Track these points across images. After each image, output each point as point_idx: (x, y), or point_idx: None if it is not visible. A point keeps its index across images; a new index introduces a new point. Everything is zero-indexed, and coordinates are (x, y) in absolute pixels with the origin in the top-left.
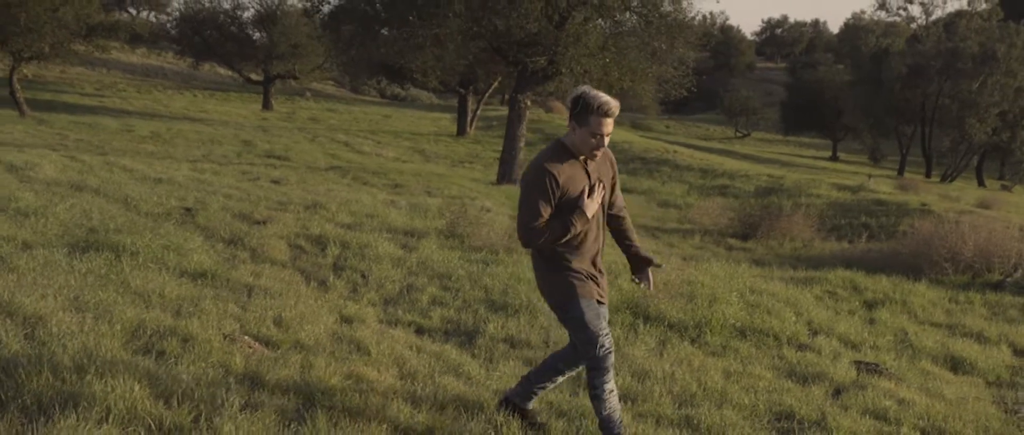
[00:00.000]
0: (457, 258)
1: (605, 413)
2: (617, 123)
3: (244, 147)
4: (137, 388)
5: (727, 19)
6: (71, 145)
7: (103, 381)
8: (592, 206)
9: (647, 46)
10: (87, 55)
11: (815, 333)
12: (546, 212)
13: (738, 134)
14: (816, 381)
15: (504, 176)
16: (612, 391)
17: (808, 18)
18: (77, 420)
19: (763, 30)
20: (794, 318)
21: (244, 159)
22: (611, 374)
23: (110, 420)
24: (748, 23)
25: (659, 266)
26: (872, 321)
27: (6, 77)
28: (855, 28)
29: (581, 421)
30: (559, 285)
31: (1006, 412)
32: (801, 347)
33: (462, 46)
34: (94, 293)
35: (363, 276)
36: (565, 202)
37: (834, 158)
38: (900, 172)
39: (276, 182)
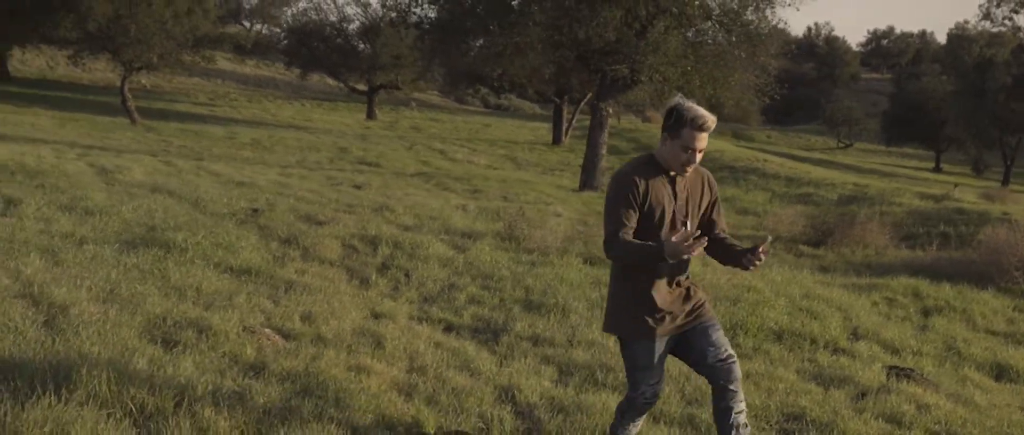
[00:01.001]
0: (507, 259)
1: None
2: (716, 132)
3: (339, 154)
4: (128, 373)
5: (832, 30)
6: (173, 151)
7: (98, 367)
8: (673, 247)
9: (728, 54)
10: (194, 66)
11: (858, 338)
12: (632, 220)
13: (840, 145)
14: (841, 384)
15: (585, 183)
16: None
17: (915, 29)
18: (61, 401)
19: (869, 41)
20: (840, 323)
21: (335, 165)
22: (642, 419)
23: (91, 402)
24: (854, 34)
25: (765, 238)
26: (924, 327)
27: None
28: (959, 38)
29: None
30: (619, 316)
31: None
32: (837, 351)
33: (542, 54)
34: (131, 286)
35: (407, 275)
36: (645, 217)
37: (937, 169)
38: (1004, 183)
39: (357, 187)
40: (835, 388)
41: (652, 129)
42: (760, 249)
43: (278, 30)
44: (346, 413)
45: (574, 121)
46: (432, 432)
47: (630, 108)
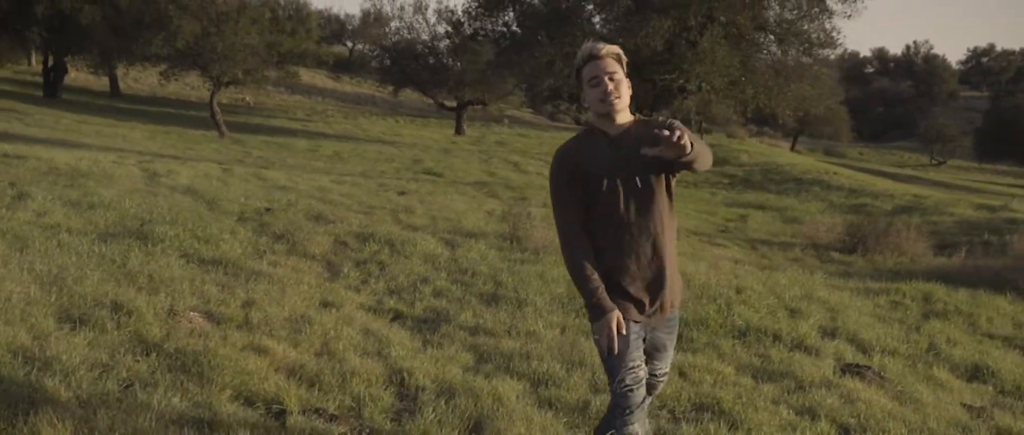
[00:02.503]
0: (495, 256)
1: None
2: (805, 147)
3: (410, 165)
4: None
5: (931, 48)
6: (249, 160)
7: None
8: (600, 329)
9: (781, 65)
10: (281, 80)
11: (833, 337)
12: (574, 201)
13: (933, 162)
14: (779, 379)
15: None
16: None
17: (1016, 46)
18: None
19: (969, 59)
20: (820, 323)
21: (397, 174)
22: (635, 418)
23: None
24: (954, 52)
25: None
26: (916, 329)
27: (227, 103)
28: None
29: None
30: (586, 298)
31: (972, 413)
32: (798, 348)
33: None
34: (80, 271)
35: (381, 268)
36: (588, 192)
37: None
38: None
39: (401, 193)
40: (770, 382)
41: (732, 143)
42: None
43: (372, 49)
44: (204, 387)
45: None
46: (293, 409)
47: (717, 123)
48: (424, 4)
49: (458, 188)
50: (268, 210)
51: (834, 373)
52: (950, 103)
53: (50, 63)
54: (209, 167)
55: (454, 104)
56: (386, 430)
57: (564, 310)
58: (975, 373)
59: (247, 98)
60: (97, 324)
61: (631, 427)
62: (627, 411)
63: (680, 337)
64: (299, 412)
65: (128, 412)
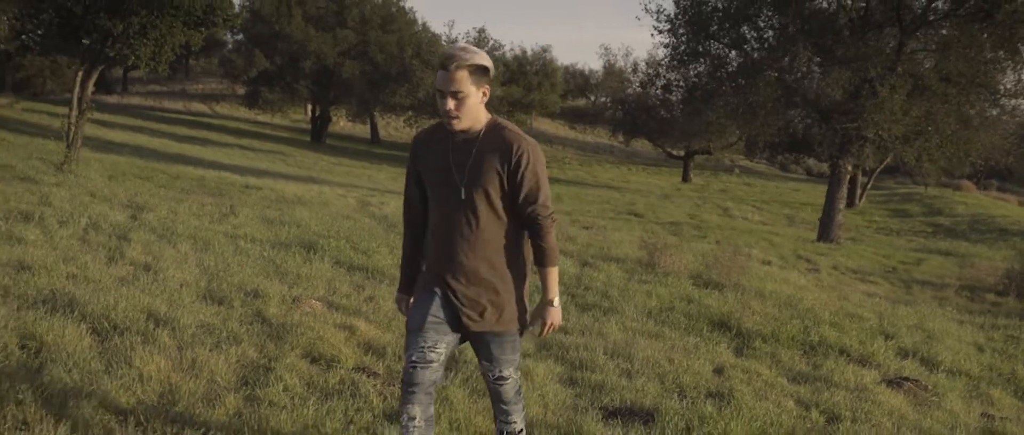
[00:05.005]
0: (620, 277)
1: None
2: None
3: (623, 207)
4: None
5: None
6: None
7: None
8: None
9: (962, 114)
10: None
11: (905, 356)
12: (411, 186)
13: None
14: (813, 382)
15: (822, 235)
16: (412, 428)
17: None
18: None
19: None
20: (903, 345)
21: (602, 214)
22: (411, 402)
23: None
24: None
25: (528, 327)
26: (1012, 358)
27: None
28: None
29: None
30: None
31: (986, 420)
32: (858, 362)
33: (772, 113)
34: (240, 268)
35: None
36: (425, 180)
37: None
38: None
39: (587, 227)
40: (803, 384)
41: (955, 197)
42: (545, 324)
43: (608, 101)
44: (280, 346)
45: (870, 184)
46: (347, 365)
47: (946, 178)
48: (658, 60)
49: (643, 226)
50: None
51: (874, 382)
52: None
53: (317, 112)
54: (363, 194)
55: (681, 153)
56: None
57: (649, 318)
58: None
59: None
60: (228, 303)
61: (409, 412)
62: (406, 392)
63: (744, 345)
64: (351, 368)
65: (209, 354)
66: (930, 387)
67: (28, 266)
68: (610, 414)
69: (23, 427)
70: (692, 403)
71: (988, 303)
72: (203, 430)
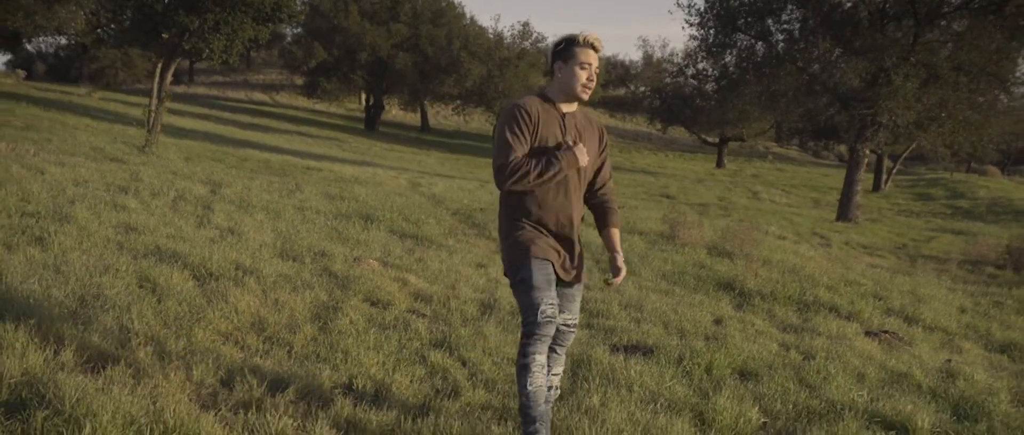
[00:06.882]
0: (643, 247)
1: (529, 388)
2: None
3: (656, 190)
4: (236, 262)
5: None
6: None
7: (215, 259)
8: (582, 154)
9: (970, 99)
10: None
11: (889, 314)
12: (520, 147)
13: None
14: (799, 332)
15: (841, 215)
16: (542, 366)
17: None
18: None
19: None
20: (890, 306)
21: (635, 196)
22: (544, 345)
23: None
24: None
25: (609, 284)
26: (991, 318)
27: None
28: None
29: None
30: (515, 245)
31: (946, 364)
32: (844, 317)
33: (794, 100)
34: (308, 233)
35: None
36: (536, 150)
37: None
38: None
39: (620, 206)
40: (790, 333)
41: (979, 181)
42: (618, 277)
43: (646, 90)
44: (345, 292)
45: (895, 169)
46: (400, 306)
47: (965, 162)
48: (694, 50)
49: (671, 206)
50: (481, 210)
51: (855, 333)
52: None
53: (370, 101)
54: (468, 183)
55: (716, 140)
56: (455, 324)
57: (663, 279)
58: (1004, 348)
59: None
60: (301, 260)
61: (541, 355)
62: (540, 339)
63: (745, 302)
64: (403, 310)
65: (288, 296)
66: (905, 338)
67: (134, 227)
68: (616, 349)
69: (152, 342)
70: (688, 342)
71: (986, 275)
72: (288, 347)
